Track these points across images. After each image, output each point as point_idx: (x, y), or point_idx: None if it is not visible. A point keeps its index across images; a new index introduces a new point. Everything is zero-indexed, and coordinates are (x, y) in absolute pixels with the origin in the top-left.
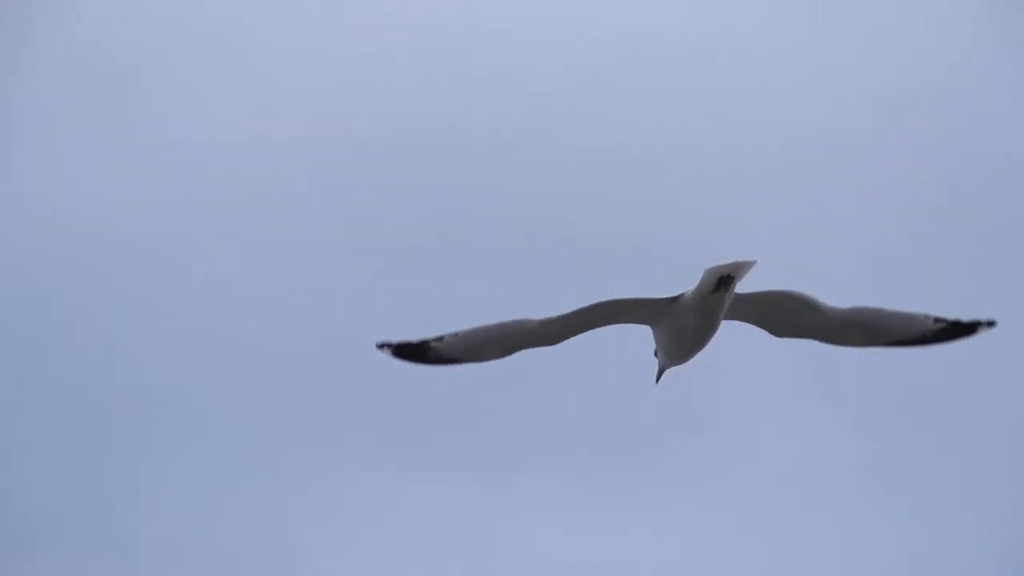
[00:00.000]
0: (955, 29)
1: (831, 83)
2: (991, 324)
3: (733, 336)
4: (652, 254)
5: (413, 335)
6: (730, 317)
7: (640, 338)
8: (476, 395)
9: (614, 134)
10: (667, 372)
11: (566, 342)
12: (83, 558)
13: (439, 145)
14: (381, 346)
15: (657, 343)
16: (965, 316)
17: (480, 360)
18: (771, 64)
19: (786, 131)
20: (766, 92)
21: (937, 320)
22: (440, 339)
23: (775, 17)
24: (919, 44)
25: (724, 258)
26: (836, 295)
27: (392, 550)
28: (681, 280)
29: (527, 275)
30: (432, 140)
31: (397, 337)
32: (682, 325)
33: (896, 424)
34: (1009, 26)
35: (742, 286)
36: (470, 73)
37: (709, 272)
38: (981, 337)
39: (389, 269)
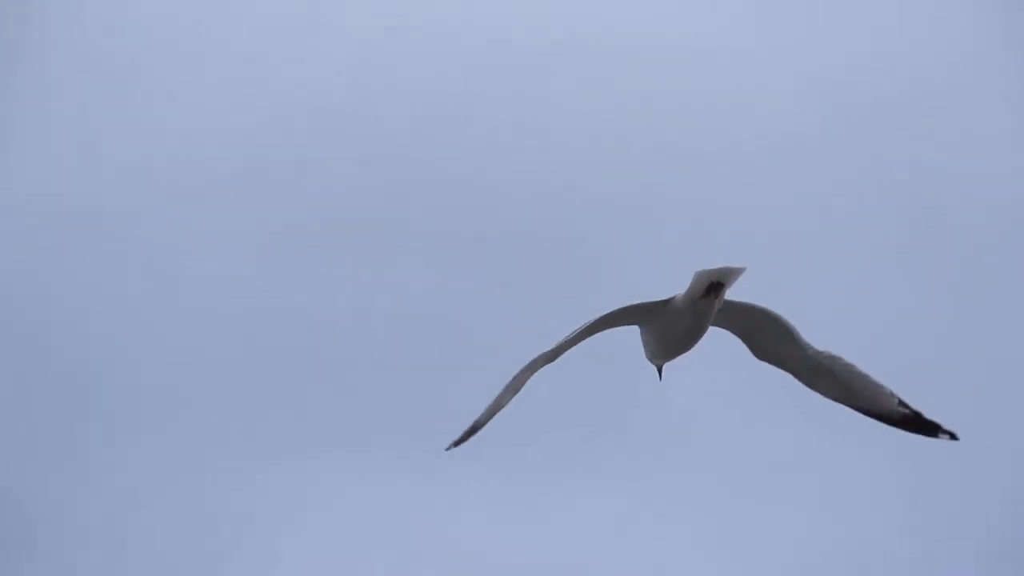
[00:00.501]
0: (953, 29)
1: (824, 83)
2: (953, 437)
3: None
4: (636, 252)
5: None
6: (716, 324)
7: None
8: (401, 381)
9: (603, 130)
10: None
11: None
12: None
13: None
14: (449, 448)
15: (644, 343)
16: (933, 404)
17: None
18: (765, 63)
19: (779, 130)
20: (760, 91)
21: (901, 403)
22: (458, 443)
23: (769, 16)
24: (914, 44)
25: (715, 261)
26: (832, 295)
27: (313, 538)
28: (670, 274)
29: (525, 271)
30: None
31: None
32: (671, 327)
33: (831, 415)
34: (1008, 26)
35: (733, 293)
36: (462, 61)
37: (699, 276)
38: (939, 442)
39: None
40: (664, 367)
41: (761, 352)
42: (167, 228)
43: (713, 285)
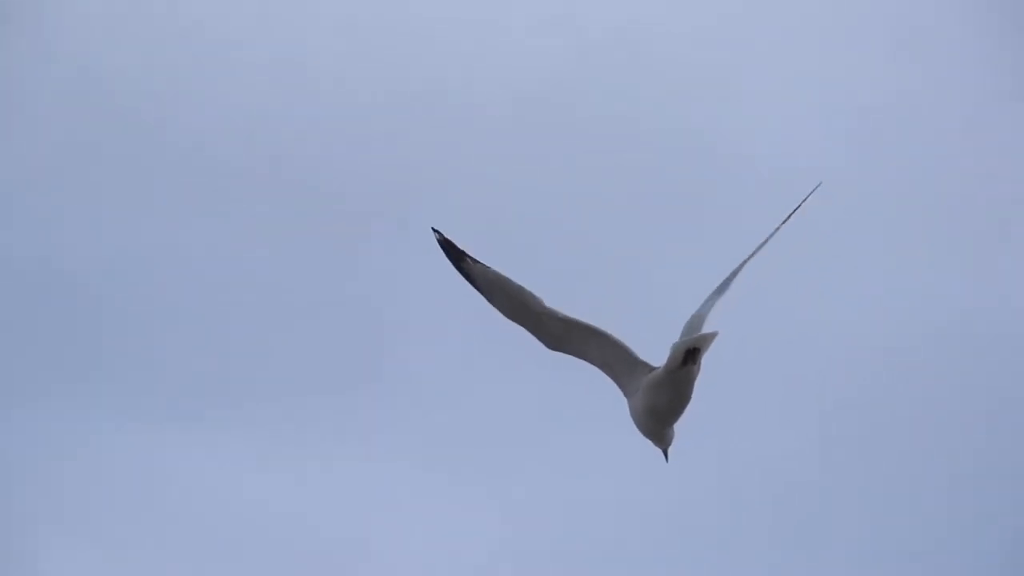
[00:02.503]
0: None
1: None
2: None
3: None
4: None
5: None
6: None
7: None
8: (175, 338)
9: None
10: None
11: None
12: None
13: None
14: (436, 230)
15: (634, 417)
16: None
17: (491, 302)
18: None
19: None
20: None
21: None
22: (476, 262)
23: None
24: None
25: (683, 325)
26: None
27: (48, 488)
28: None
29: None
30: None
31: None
32: (656, 398)
33: (584, 375)
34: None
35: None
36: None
37: (676, 347)
38: None
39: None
40: (669, 447)
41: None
42: None
43: (690, 352)
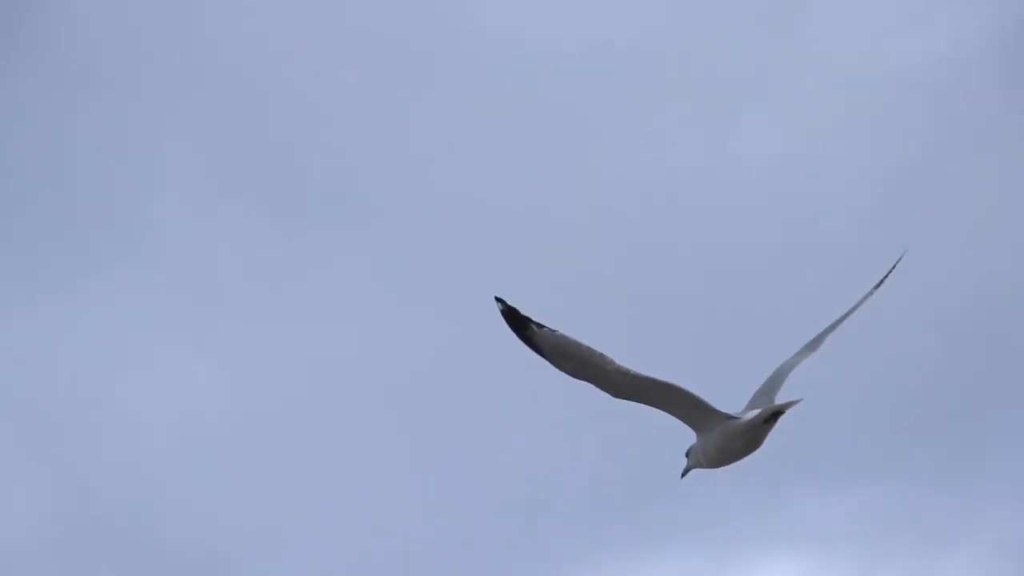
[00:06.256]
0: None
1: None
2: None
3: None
4: None
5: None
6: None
7: None
8: None
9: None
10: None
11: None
12: None
13: None
14: (499, 299)
15: (698, 447)
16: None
17: (556, 366)
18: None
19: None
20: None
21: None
22: (541, 326)
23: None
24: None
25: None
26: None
27: None
28: None
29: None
30: None
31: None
32: (729, 444)
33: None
34: None
35: None
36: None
37: (767, 409)
38: None
39: None
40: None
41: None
42: None
43: (775, 414)
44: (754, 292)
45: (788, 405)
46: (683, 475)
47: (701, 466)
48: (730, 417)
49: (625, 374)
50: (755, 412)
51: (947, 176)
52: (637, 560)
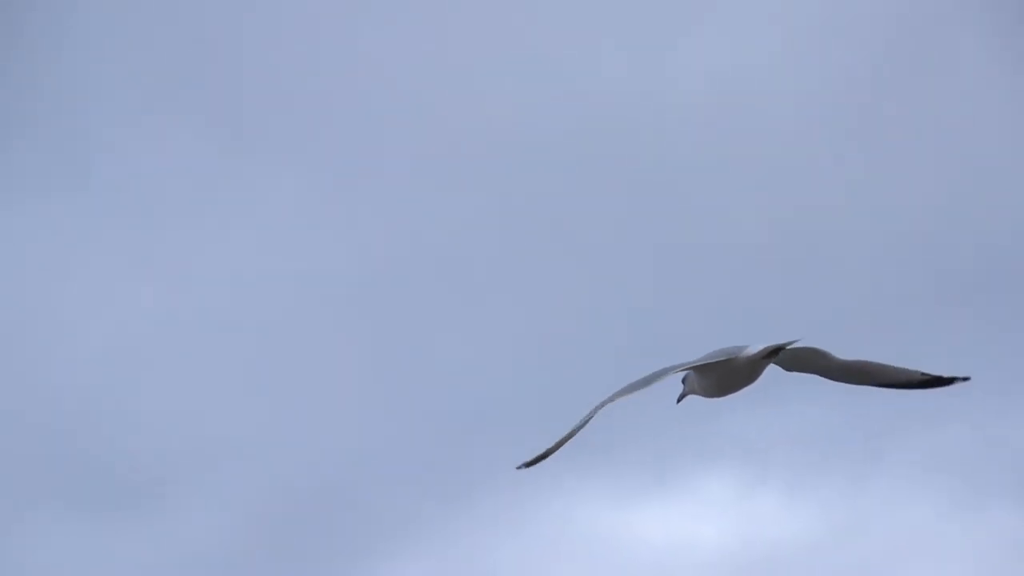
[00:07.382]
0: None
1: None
2: (966, 379)
3: None
4: None
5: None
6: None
7: None
8: None
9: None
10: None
11: None
12: None
13: None
14: (520, 467)
15: (696, 381)
16: (946, 370)
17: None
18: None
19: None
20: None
21: (924, 375)
22: (548, 453)
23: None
24: None
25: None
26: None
27: None
28: None
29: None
30: None
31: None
32: (730, 378)
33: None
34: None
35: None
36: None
37: (766, 347)
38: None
39: None
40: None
41: (794, 368)
42: None
43: (775, 350)
44: (688, 220)
45: (789, 344)
46: (678, 400)
47: (696, 394)
48: (728, 360)
49: (634, 387)
50: (757, 348)
51: (886, 95)
52: (574, 473)
